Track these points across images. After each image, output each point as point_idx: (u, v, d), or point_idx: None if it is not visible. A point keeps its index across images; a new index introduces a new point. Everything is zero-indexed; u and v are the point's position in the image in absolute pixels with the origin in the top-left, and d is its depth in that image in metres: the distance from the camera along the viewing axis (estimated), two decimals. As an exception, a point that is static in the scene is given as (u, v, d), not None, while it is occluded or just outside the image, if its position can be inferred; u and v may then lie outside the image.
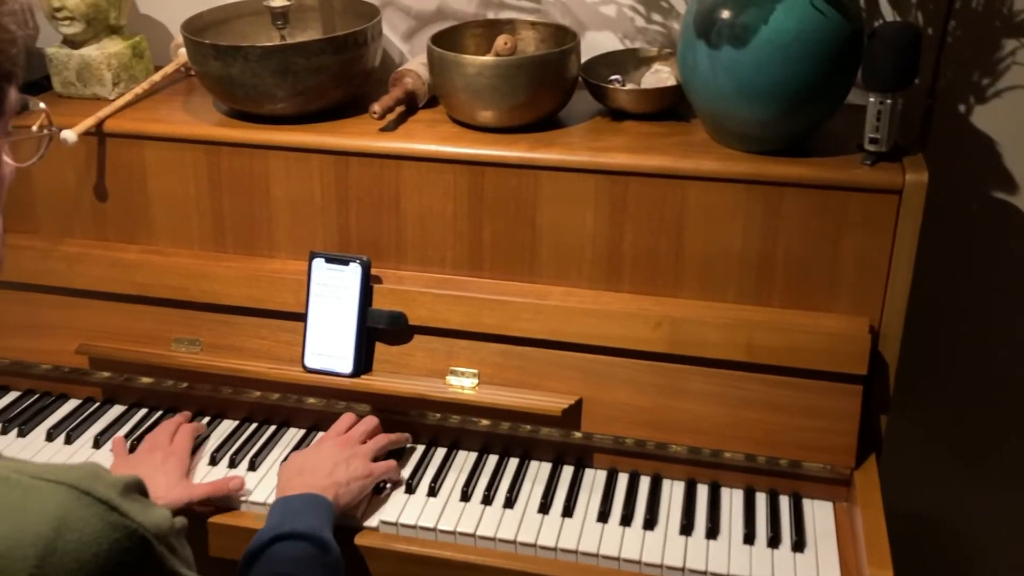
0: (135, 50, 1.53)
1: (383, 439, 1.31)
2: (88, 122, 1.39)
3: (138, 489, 0.65)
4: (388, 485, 1.29)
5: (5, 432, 1.42)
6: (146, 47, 1.56)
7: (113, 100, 1.47)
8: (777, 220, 1.26)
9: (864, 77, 1.22)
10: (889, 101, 1.21)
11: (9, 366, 1.50)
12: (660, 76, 1.42)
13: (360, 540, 1.23)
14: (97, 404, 1.49)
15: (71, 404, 1.49)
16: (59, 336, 1.46)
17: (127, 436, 1.40)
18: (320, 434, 1.41)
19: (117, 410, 1.48)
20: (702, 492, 1.30)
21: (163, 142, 1.41)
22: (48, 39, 1.67)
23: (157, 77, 1.52)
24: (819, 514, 1.27)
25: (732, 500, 1.29)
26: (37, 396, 1.51)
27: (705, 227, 1.28)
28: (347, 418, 1.34)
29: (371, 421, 1.33)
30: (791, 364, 1.25)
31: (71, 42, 1.48)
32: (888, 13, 1.42)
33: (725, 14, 1.18)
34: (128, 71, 1.51)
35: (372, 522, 1.25)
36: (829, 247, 1.25)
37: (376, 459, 1.28)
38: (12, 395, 1.52)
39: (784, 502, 1.29)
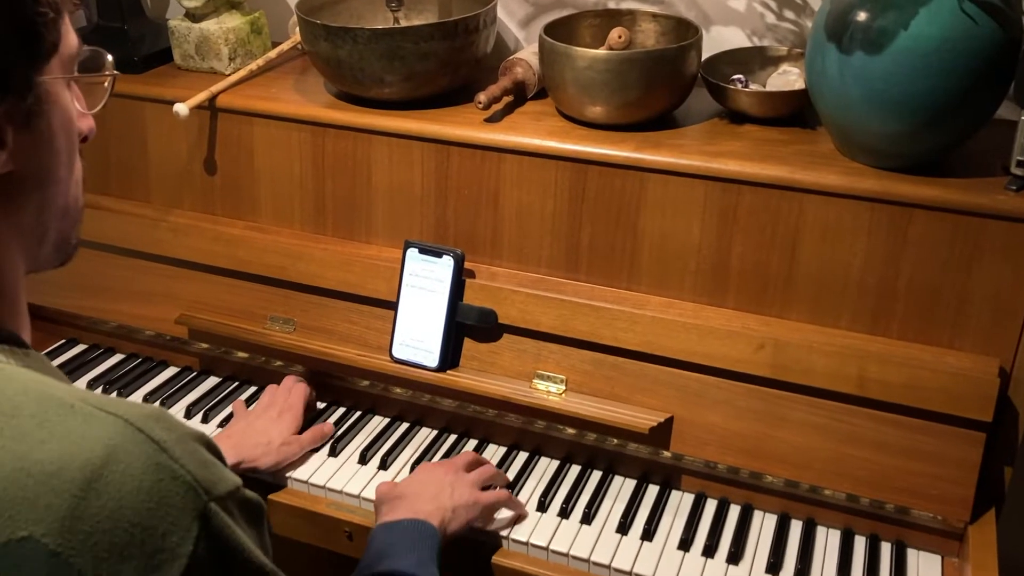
0: (253, 26, 1.53)
1: (489, 469, 1.23)
2: (201, 96, 1.40)
3: (205, 444, 0.64)
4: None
5: (106, 394, 1.46)
6: (264, 23, 1.56)
7: (228, 75, 1.48)
8: (902, 244, 1.15)
9: (1017, 91, 1.10)
10: (1044, 120, 1.08)
11: (116, 329, 1.54)
12: (788, 78, 1.32)
13: (430, 541, 1.21)
14: (194, 374, 1.51)
15: (170, 371, 1.52)
16: (162, 304, 1.48)
17: (218, 408, 1.43)
18: (406, 423, 1.39)
19: (212, 381, 1.50)
20: (795, 529, 1.22)
21: (271, 120, 1.41)
22: (175, 11, 1.71)
23: (272, 54, 1.52)
24: (924, 567, 1.17)
25: (827, 541, 1.20)
26: (139, 360, 1.55)
27: (822, 246, 1.19)
28: (462, 457, 1.26)
29: (472, 454, 1.26)
30: (906, 402, 1.14)
31: (192, 15, 1.50)
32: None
33: (861, 16, 1.07)
34: (245, 47, 1.52)
35: (444, 523, 1.22)
36: (959, 278, 1.14)
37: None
38: (117, 357, 1.56)
39: (885, 549, 1.19)
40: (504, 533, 1.19)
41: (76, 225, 0.76)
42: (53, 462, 0.56)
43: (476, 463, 1.24)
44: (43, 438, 0.57)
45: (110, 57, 0.79)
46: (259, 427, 1.30)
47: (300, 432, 1.32)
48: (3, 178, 0.67)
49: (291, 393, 1.36)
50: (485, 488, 1.20)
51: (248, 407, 1.40)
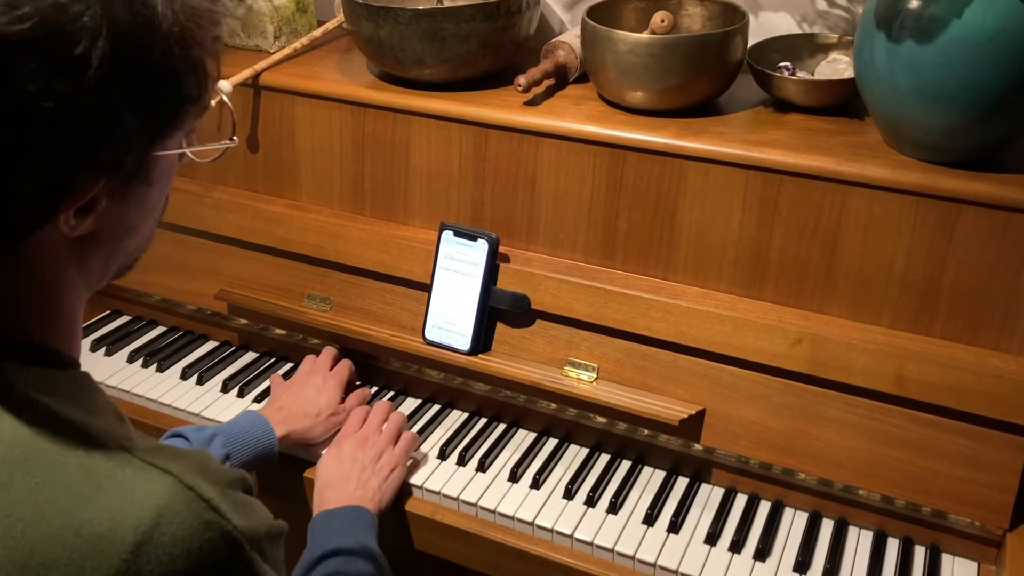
0: (299, 4, 1.53)
1: (397, 419, 1.27)
2: (244, 74, 1.41)
3: (243, 486, 0.65)
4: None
5: (146, 366, 1.49)
6: (310, 2, 1.56)
7: (273, 53, 1.48)
8: (949, 241, 1.11)
9: (1076, 85, 1.05)
10: (1104, 116, 1.03)
11: (159, 302, 1.57)
12: (837, 67, 1.29)
13: (454, 522, 1.21)
14: (232, 349, 1.53)
15: (209, 345, 1.54)
16: (203, 279, 1.50)
17: (254, 383, 1.44)
18: (437, 405, 1.39)
19: (250, 357, 1.51)
20: (826, 528, 1.19)
21: (312, 99, 1.41)
22: (223, -12, 1.71)
23: (317, 33, 1.52)
24: (960, 573, 1.13)
25: (859, 542, 1.17)
26: (180, 334, 1.57)
27: (864, 240, 1.15)
28: (359, 412, 1.29)
29: (382, 408, 1.29)
30: (946, 404, 1.11)
31: (239, -7, 1.50)
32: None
33: (912, 3, 1.04)
34: (290, 25, 1.52)
35: (470, 508, 1.22)
36: (1008, 278, 1.10)
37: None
38: (159, 330, 1.59)
39: (919, 553, 1.16)
40: (528, 518, 1.19)
41: (139, 257, 0.76)
42: (103, 523, 0.55)
43: (384, 418, 1.27)
44: (91, 494, 0.56)
45: (228, 102, 0.80)
46: (306, 397, 1.31)
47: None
48: (83, 235, 0.66)
49: (334, 361, 1.38)
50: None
51: (286, 380, 1.41)
